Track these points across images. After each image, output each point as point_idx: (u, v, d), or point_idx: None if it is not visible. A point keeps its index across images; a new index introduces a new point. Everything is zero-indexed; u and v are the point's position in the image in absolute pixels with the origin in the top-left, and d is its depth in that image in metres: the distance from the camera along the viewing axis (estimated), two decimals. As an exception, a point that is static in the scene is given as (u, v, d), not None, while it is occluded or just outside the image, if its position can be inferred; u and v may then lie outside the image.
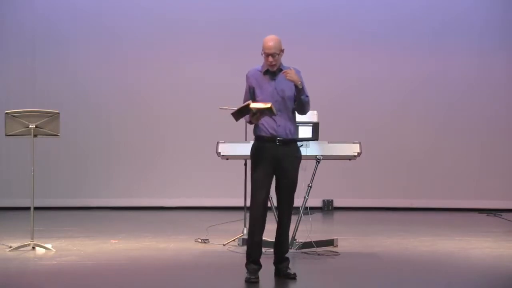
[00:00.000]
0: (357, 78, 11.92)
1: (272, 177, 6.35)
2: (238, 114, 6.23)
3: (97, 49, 11.94)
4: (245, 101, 6.34)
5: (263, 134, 6.33)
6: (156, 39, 11.95)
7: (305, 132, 7.52)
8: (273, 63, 6.29)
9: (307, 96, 6.37)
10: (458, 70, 11.94)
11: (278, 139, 6.29)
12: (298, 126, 6.88)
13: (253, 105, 6.16)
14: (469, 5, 11.99)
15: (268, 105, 6.12)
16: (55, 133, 7.92)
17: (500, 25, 11.95)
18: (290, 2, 11.97)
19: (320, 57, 11.82)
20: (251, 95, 6.37)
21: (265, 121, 6.29)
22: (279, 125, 6.29)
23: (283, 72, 6.28)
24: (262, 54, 6.31)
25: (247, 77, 6.42)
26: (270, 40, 6.28)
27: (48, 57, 11.91)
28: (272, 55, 6.26)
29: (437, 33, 11.93)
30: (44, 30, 11.92)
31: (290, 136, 6.34)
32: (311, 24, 11.89)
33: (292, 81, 6.27)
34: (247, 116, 6.25)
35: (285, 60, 6.39)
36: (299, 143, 6.61)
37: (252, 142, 6.46)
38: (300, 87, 6.30)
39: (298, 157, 6.42)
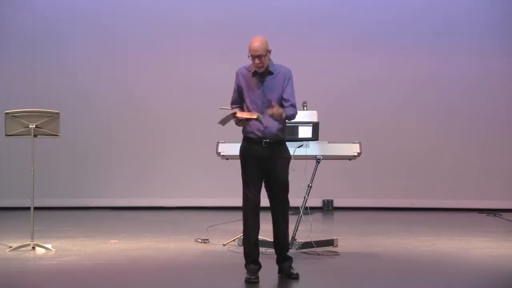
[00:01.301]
0: (357, 78, 11.91)
1: (262, 178, 6.30)
2: (224, 121, 6.22)
3: (97, 49, 11.94)
4: (233, 100, 6.38)
5: (251, 135, 6.30)
6: (156, 39, 11.94)
7: (305, 132, 7.51)
8: (260, 65, 6.22)
9: (291, 105, 6.24)
10: (458, 70, 11.92)
11: (264, 141, 6.25)
12: (298, 126, 6.88)
13: (239, 114, 6.15)
14: (469, 5, 11.97)
15: (254, 116, 6.10)
16: (55, 133, 7.91)
17: (500, 25, 11.94)
18: (290, 2, 11.96)
19: (320, 57, 11.81)
20: (239, 94, 6.35)
21: (252, 122, 6.24)
22: (265, 127, 6.24)
23: (270, 114, 6.14)
24: (248, 56, 6.24)
25: (237, 75, 6.38)
26: (255, 42, 6.21)
27: (48, 57, 11.90)
28: (258, 57, 6.19)
29: (437, 33, 11.92)
30: (44, 30, 11.92)
31: (276, 138, 6.29)
32: (311, 24, 11.88)
33: (276, 119, 6.18)
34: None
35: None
36: (299, 143, 6.59)
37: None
38: (283, 118, 6.22)
39: (286, 157, 6.36)
